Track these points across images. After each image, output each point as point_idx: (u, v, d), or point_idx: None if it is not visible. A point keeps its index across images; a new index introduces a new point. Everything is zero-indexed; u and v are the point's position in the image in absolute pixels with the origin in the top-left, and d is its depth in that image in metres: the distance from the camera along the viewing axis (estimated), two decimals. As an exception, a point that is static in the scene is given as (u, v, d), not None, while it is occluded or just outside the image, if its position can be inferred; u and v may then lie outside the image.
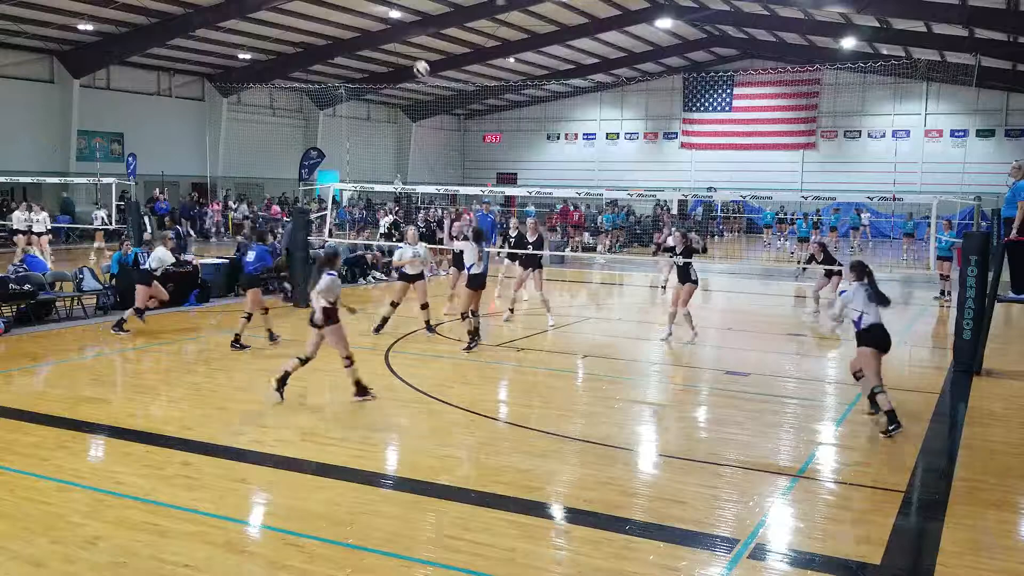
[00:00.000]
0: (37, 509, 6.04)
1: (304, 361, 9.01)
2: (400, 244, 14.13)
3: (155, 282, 12.94)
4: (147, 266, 13.08)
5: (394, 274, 14.41)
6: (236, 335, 11.71)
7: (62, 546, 5.45)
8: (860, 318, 8.36)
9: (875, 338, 8.35)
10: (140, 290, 12.74)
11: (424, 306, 12.99)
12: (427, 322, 13.09)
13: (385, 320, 13.00)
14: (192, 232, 30.09)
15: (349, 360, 9.04)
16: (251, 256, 12.31)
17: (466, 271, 12.21)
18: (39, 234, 20.94)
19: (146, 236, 20.78)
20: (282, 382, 8.95)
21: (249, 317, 11.86)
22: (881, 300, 8.30)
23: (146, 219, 26.21)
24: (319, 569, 5.20)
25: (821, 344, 13.43)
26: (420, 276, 13.10)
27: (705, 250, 13.25)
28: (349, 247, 20.50)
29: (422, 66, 21.39)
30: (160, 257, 12.92)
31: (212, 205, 33.92)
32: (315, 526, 5.77)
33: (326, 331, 8.93)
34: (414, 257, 12.94)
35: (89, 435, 7.88)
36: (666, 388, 10.34)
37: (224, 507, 6.15)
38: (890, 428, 8.11)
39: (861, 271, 8.47)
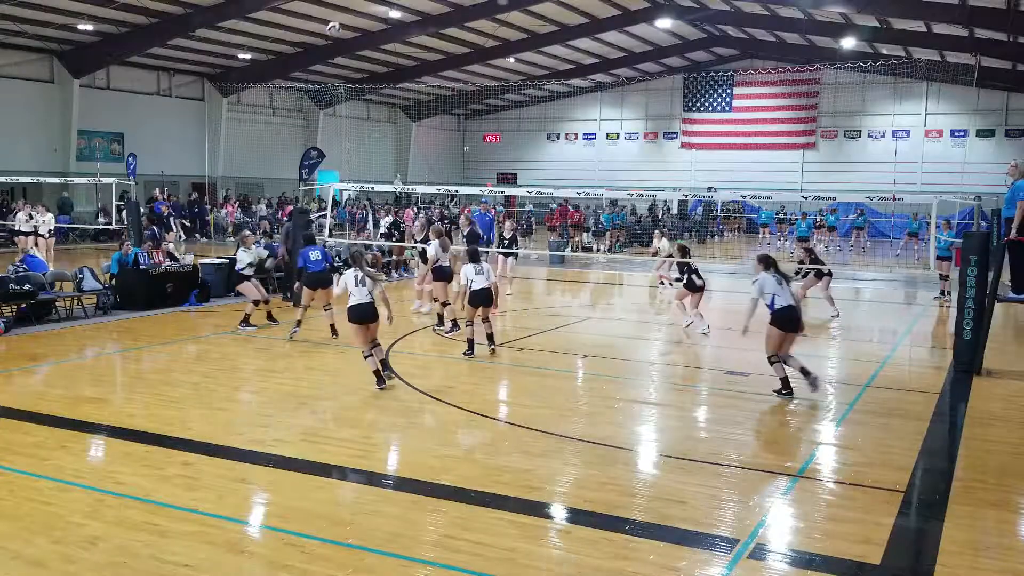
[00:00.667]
0: (37, 509, 6.03)
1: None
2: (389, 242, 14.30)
3: (253, 280, 13.49)
4: (239, 268, 13.46)
5: (416, 271, 14.54)
6: (331, 326, 12.67)
7: (62, 546, 5.45)
8: (773, 300, 9.32)
9: (783, 318, 9.32)
10: (246, 287, 13.31)
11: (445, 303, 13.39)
12: (453, 320, 13.27)
13: (441, 318, 13.49)
14: (183, 233, 29.96)
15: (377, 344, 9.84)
16: (317, 255, 12.86)
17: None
18: (44, 236, 20.90)
19: (170, 237, 21.06)
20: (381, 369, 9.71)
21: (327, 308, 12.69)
22: (786, 280, 9.51)
23: (171, 220, 26.30)
24: (319, 569, 5.20)
25: (821, 344, 13.43)
26: (449, 275, 13.40)
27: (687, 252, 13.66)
28: (349, 247, 20.50)
29: (333, 25, 22.09)
30: (242, 257, 13.38)
31: (227, 206, 33.80)
32: (315, 526, 5.77)
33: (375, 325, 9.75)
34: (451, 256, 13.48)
35: (89, 435, 7.88)
36: (666, 388, 10.34)
37: (224, 507, 6.15)
38: (780, 390, 9.37)
39: (767, 262, 9.58)
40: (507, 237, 17.30)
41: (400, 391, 9.67)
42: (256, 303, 13.30)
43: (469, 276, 11.25)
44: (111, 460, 7.28)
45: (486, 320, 11.63)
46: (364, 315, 9.61)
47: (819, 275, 15.53)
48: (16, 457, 7.10)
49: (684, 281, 13.53)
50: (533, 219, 36.69)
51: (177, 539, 5.56)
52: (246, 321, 13.24)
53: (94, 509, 6.06)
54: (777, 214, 35.24)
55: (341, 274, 13.25)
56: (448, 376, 10.61)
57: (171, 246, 24.57)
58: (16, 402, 8.85)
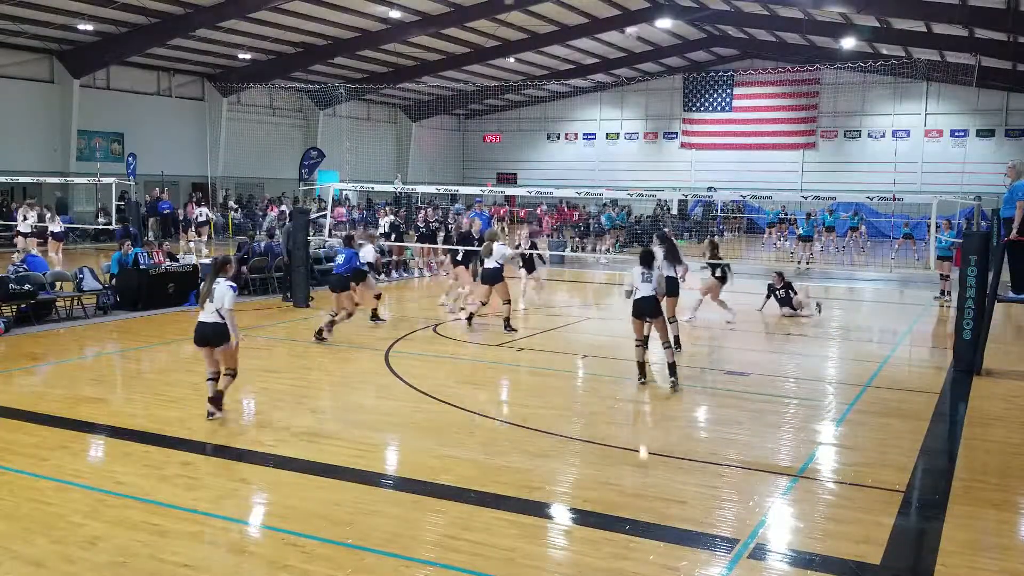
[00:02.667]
0: (37, 509, 6.03)
1: (216, 377, 8.27)
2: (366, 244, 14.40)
3: (368, 278, 13.42)
4: (360, 265, 13.28)
5: (443, 271, 14.31)
6: (375, 317, 12.77)
7: (62, 546, 5.45)
8: (632, 291, 9.90)
9: (636, 307, 9.80)
10: (359, 290, 13.08)
11: (504, 302, 13.31)
12: (506, 319, 13.27)
13: (472, 316, 13.51)
14: (161, 232, 29.76)
15: (234, 372, 8.34)
16: (340, 259, 12.82)
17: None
18: (57, 236, 20.76)
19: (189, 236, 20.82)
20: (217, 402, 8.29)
21: (350, 315, 12.44)
22: (647, 279, 9.78)
23: (205, 210, 26.20)
24: (319, 569, 5.20)
25: (821, 344, 13.43)
26: (500, 277, 13.17)
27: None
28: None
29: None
30: (365, 255, 13.43)
31: (191, 205, 33.18)
32: (315, 526, 5.77)
33: (219, 350, 8.19)
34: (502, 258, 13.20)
35: (89, 435, 7.88)
36: (666, 388, 10.33)
37: (224, 507, 6.15)
38: (640, 377, 9.96)
39: (645, 259, 9.92)
40: (526, 248, 16.08)
41: (400, 391, 9.67)
42: (368, 298, 13.32)
43: (635, 282, 9.85)
44: (111, 460, 7.28)
45: (666, 344, 9.93)
46: (203, 335, 8.18)
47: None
48: (16, 457, 7.10)
49: (720, 275, 13.96)
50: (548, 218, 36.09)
51: (177, 539, 5.56)
52: (376, 316, 13.55)
53: (94, 509, 6.06)
54: (779, 214, 35.22)
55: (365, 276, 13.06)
56: (448, 376, 10.61)
57: (192, 245, 24.65)
58: (16, 402, 8.85)
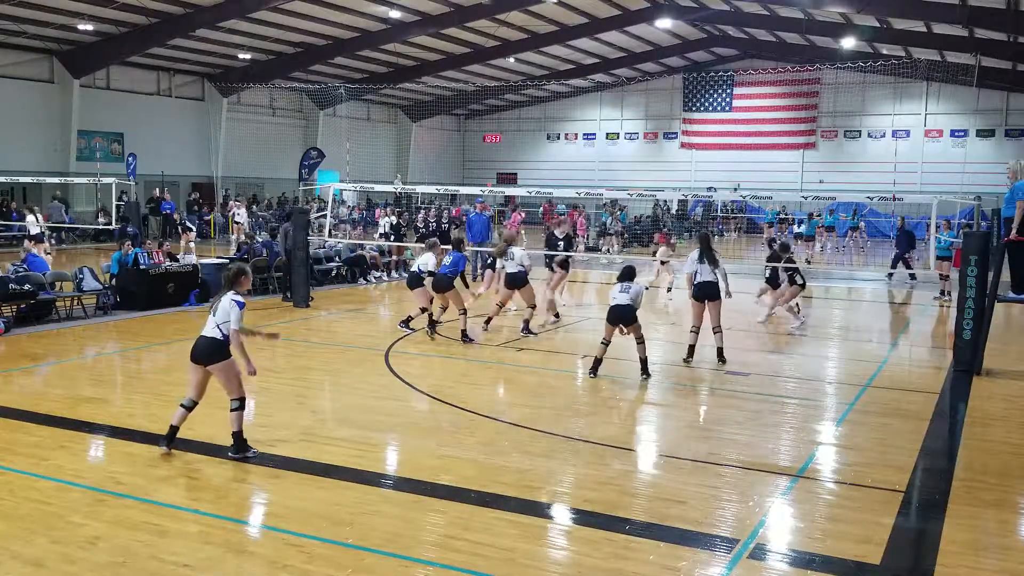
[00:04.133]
0: (37, 509, 6.03)
1: (190, 408, 7.34)
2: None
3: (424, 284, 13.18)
4: (416, 270, 13.27)
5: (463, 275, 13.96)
6: (462, 330, 12.38)
7: (62, 546, 5.45)
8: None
9: (610, 312, 10.32)
10: (418, 293, 13.04)
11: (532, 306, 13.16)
12: (526, 321, 13.15)
13: (489, 319, 13.27)
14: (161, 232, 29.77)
15: (240, 403, 7.19)
16: (448, 260, 12.73)
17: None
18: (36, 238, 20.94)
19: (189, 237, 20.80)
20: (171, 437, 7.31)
21: (464, 312, 12.45)
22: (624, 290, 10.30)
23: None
24: (319, 569, 5.19)
25: (821, 344, 13.44)
26: (524, 281, 12.95)
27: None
28: (349, 247, 20.52)
29: None
30: (425, 261, 13.21)
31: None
32: (315, 526, 5.77)
33: (215, 368, 7.17)
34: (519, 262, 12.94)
35: (89, 435, 7.88)
36: (666, 388, 10.34)
37: (224, 507, 6.15)
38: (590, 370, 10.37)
39: (627, 273, 10.64)
40: (561, 240, 15.41)
41: (400, 391, 9.66)
42: (423, 309, 13.06)
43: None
44: (111, 460, 7.28)
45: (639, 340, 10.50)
46: (195, 350, 7.21)
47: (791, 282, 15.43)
48: (16, 457, 7.10)
49: (801, 282, 14.09)
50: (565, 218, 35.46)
51: (177, 539, 5.56)
52: (407, 322, 13.20)
53: (94, 509, 6.06)
54: (779, 214, 35.24)
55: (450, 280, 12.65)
56: (448, 376, 10.61)
57: (192, 245, 24.66)
58: (16, 402, 8.85)
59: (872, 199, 21.22)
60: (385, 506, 6.23)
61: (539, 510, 6.23)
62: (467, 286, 14.05)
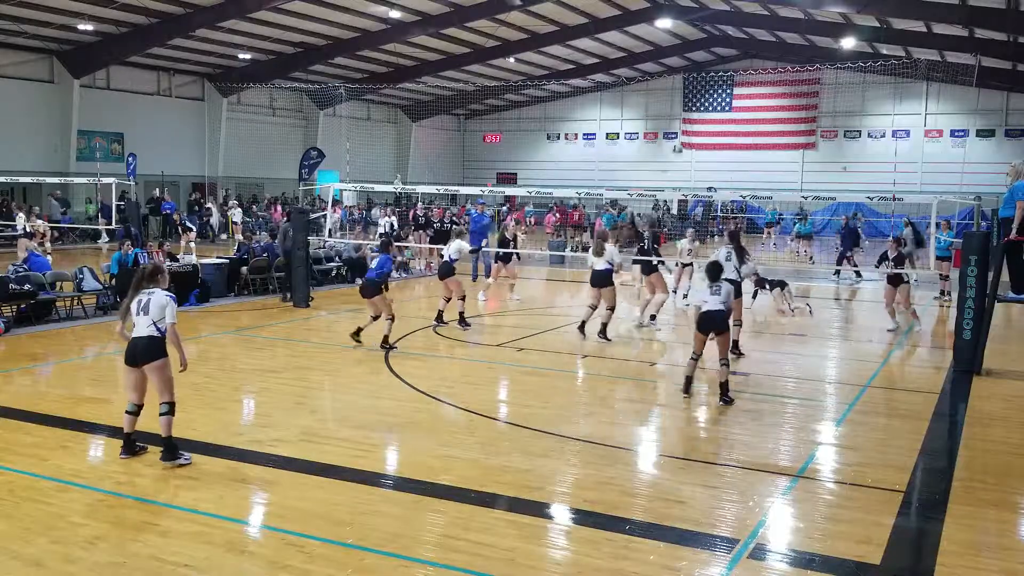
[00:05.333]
0: (37, 509, 6.03)
1: (136, 412, 7.20)
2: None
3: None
4: (447, 258, 13.26)
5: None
6: (385, 336, 11.71)
7: (62, 546, 5.45)
8: (699, 305, 9.52)
9: (702, 320, 9.30)
10: (450, 283, 13.10)
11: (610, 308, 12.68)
12: (604, 325, 12.65)
13: (584, 323, 12.82)
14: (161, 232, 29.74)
15: (170, 407, 7.07)
16: (374, 264, 12.43)
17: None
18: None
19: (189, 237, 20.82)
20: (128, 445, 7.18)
21: (393, 318, 11.81)
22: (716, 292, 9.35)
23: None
24: (319, 569, 5.19)
25: (820, 344, 13.43)
26: (609, 280, 12.67)
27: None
28: (354, 247, 20.50)
29: None
30: (459, 248, 13.29)
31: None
32: (315, 526, 5.77)
33: (152, 367, 7.05)
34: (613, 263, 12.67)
35: (89, 435, 7.88)
36: (666, 388, 10.34)
37: (224, 507, 6.15)
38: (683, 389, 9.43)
39: (712, 271, 9.60)
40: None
41: (400, 391, 9.66)
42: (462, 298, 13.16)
43: (703, 296, 9.50)
44: (111, 460, 7.27)
45: (723, 360, 9.33)
46: (131, 353, 7.09)
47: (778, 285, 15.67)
48: (16, 457, 7.10)
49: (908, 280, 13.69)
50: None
51: (177, 539, 5.56)
52: (440, 319, 13.22)
53: (94, 509, 6.06)
54: (777, 215, 35.27)
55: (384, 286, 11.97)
56: (448, 376, 10.61)
57: (192, 245, 24.66)
58: (16, 402, 8.85)
59: (872, 199, 21.21)
60: (385, 506, 6.23)
61: (539, 510, 6.23)
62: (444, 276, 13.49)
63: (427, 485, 6.61)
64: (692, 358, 9.48)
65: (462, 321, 13.19)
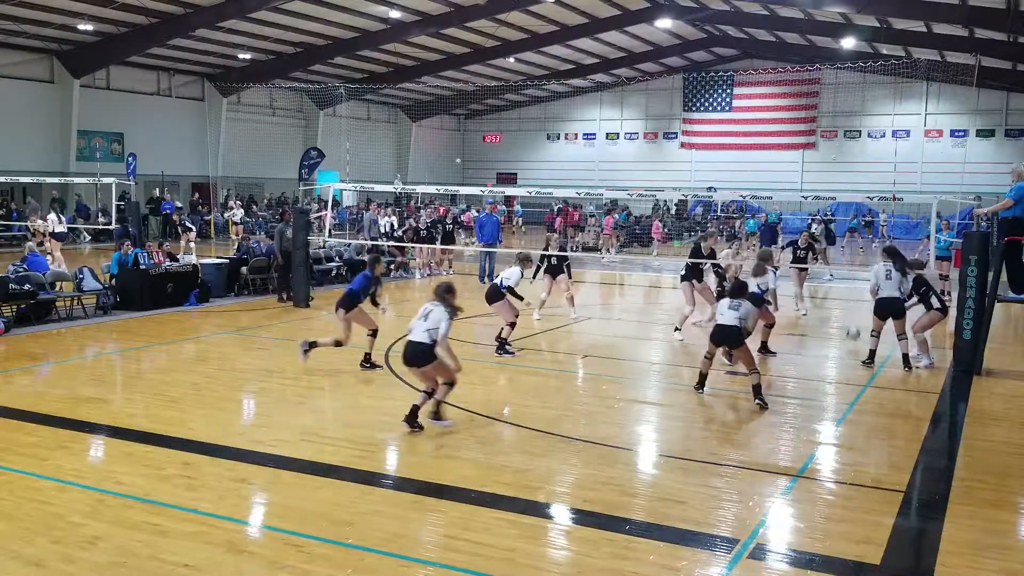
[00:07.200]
0: (37, 509, 6.03)
1: (431, 393, 8.15)
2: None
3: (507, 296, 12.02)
4: (498, 283, 12.10)
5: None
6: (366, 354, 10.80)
7: (62, 546, 5.45)
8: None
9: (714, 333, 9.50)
10: (500, 307, 11.92)
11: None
12: (764, 343, 11.84)
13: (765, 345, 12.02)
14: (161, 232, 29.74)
15: (449, 385, 8.10)
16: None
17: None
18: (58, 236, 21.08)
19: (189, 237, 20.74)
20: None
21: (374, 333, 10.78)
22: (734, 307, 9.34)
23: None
24: (319, 569, 5.19)
25: (821, 344, 13.43)
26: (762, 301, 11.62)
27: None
28: (356, 248, 20.50)
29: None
30: (509, 275, 12.07)
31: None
32: (315, 526, 5.77)
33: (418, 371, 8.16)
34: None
35: (89, 435, 7.88)
36: (666, 388, 10.34)
37: (224, 507, 6.15)
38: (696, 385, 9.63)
39: (735, 291, 9.57)
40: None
41: (400, 391, 9.66)
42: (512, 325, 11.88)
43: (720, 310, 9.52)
44: (111, 460, 7.28)
45: (750, 369, 9.33)
46: (408, 355, 8.10)
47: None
48: (16, 457, 7.10)
49: (939, 306, 11.26)
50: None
51: (177, 539, 5.56)
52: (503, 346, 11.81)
53: (94, 509, 6.06)
54: (780, 215, 35.29)
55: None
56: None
57: (192, 245, 24.68)
58: (16, 402, 8.85)
59: (872, 199, 21.22)
60: (385, 506, 6.23)
61: (539, 510, 6.23)
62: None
63: (427, 485, 6.61)
64: (706, 357, 9.63)
65: (501, 347, 11.74)
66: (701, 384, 9.63)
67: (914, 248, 22.77)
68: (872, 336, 11.42)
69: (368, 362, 10.75)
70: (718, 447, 7.81)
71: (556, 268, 14.52)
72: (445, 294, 8.20)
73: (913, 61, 34.82)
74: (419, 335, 7.97)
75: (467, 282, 20.19)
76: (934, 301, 11.20)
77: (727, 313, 9.25)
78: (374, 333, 10.73)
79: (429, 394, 8.17)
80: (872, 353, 11.38)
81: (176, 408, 8.72)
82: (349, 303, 10.49)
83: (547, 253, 14.83)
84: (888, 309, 11.08)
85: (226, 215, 31.01)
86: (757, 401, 9.09)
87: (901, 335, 11.12)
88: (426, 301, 8.26)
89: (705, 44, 41.63)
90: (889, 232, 35.66)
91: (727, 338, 9.22)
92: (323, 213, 19.99)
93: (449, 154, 51.24)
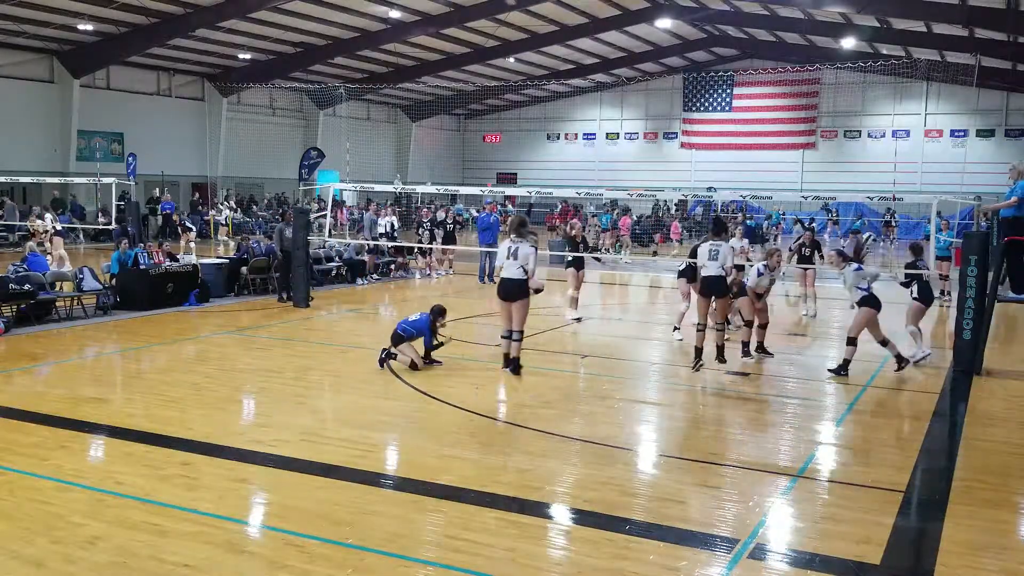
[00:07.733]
0: (37, 509, 6.03)
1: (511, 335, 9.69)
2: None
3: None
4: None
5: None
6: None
7: (62, 546, 5.45)
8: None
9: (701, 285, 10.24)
10: (568, 276, 13.30)
11: (748, 323, 11.56)
12: (760, 343, 11.66)
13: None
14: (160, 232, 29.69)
15: (520, 335, 9.44)
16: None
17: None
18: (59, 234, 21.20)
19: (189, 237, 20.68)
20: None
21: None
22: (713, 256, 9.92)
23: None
24: (319, 569, 5.19)
25: (821, 344, 13.43)
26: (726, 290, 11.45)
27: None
28: (355, 248, 20.49)
29: None
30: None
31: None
32: (315, 526, 5.77)
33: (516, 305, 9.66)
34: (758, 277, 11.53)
35: (89, 435, 7.87)
36: (666, 388, 10.34)
37: (224, 507, 6.15)
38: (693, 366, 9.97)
39: (716, 228, 10.37)
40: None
41: (400, 391, 9.66)
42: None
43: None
44: (111, 460, 7.28)
45: (718, 324, 9.83)
46: (505, 290, 9.72)
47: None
48: (16, 457, 7.10)
49: (917, 295, 11.25)
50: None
51: (177, 539, 5.56)
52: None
53: (94, 509, 6.05)
54: (780, 216, 35.35)
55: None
56: (448, 376, 10.59)
57: (192, 245, 24.67)
58: (16, 402, 8.85)
59: (872, 199, 21.22)
60: (385, 506, 6.22)
61: (539, 510, 6.23)
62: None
63: (427, 485, 6.60)
64: (698, 329, 9.84)
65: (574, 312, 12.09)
66: (698, 357, 9.83)
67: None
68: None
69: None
70: (718, 447, 7.81)
71: (580, 261, 14.58)
72: (522, 228, 9.22)
73: (913, 61, 34.83)
74: (512, 272, 8.56)
75: (466, 282, 20.20)
76: (914, 290, 11.19)
77: (709, 264, 9.74)
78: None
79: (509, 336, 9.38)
80: (846, 363, 10.65)
81: (176, 408, 8.72)
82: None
83: (573, 249, 14.58)
84: (713, 287, 10.26)
85: (210, 213, 31.08)
86: (717, 359, 9.41)
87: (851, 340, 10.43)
88: (506, 239, 9.13)
89: (705, 44, 41.64)
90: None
91: (712, 287, 9.78)
92: (337, 213, 19.91)
93: (449, 154, 51.25)
